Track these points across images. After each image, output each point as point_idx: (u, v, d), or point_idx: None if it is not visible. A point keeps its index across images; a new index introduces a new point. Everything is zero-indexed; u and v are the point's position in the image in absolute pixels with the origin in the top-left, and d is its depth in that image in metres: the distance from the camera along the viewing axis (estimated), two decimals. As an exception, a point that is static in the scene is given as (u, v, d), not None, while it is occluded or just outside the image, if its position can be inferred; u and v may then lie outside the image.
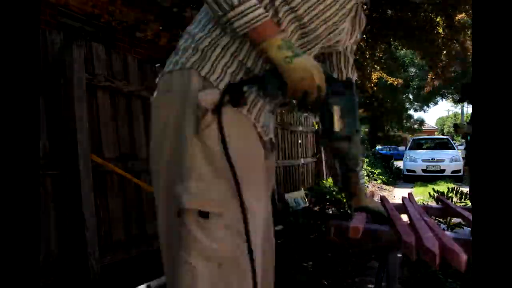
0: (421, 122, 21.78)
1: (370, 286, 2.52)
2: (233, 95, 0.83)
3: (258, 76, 0.86)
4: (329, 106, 0.90)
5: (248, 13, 0.80)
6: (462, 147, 15.73)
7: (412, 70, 16.45)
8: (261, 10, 0.81)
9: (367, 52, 5.46)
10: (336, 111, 0.90)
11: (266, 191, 0.95)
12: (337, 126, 0.90)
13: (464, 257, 0.79)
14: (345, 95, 0.91)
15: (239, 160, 0.81)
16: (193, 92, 0.83)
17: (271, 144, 1.00)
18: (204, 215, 0.80)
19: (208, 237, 0.79)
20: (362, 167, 1.14)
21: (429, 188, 4.78)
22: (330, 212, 5.20)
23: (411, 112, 20.54)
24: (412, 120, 20.69)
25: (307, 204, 5.38)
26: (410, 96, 19.02)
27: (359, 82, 6.13)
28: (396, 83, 6.58)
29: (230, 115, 0.82)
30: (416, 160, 11.30)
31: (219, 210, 0.81)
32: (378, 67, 6.10)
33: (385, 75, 6.51)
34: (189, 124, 0.82)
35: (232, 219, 0.81)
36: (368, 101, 14.16)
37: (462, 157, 11.28)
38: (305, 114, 1.18)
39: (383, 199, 1.46)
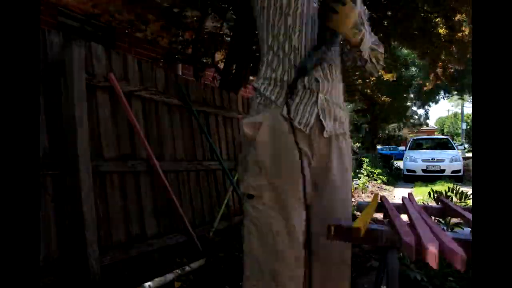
0: (425, 116, 21.68)
1: (370, 286, 2.52)
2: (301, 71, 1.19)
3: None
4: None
5: None
6: (462, 147, 15.76)
7: (413, 69, 16.43)
8: None
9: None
10: None
11: (299, 179, 1.21)
12: None
13: (464, 257, 0.79)
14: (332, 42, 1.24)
15: (271, 164, 1.19)
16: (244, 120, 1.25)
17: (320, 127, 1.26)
18: (250, 196, 1.21)
19: (252, 209, 1.21)
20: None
21: (429, 188, 4.79)
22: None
23: (414, 108, 20.48)
24: (416, 116, 20.62)
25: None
26: (411, 96, 19.00)
27: (357, 82, 6.13)
28: (391, 79, 6.58)
29: (264, 133, 1.20)
30: (416, 160, 11.29)
31: (259, 194, 1.20)
32: None
33: (383, 72, 6.52)
34: (244, 140, 1.24)
35: (267, 200, 1.20)
36: (365, 106, 14.13)
37: (462, 157, 11.29)
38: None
39: (383, 199, 1.46)
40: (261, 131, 1.20)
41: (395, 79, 6.76)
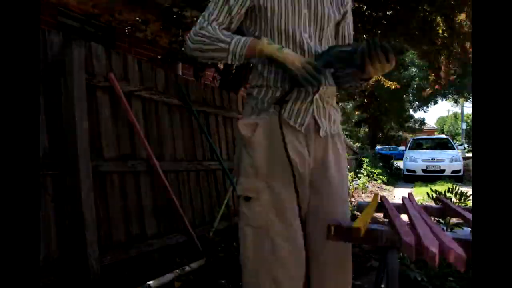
0: (422, 122, 21.91)
1: (370, 286, 2.52)
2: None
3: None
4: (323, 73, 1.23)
5: (240, 41, 1.17)
6: (462, 147, 15.76)
7: (413, 70, 16.43)
8: (243, 37, 1.18)
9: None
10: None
11: (293, 182, 1.20)
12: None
13: (464, 257, 0.79)
14: (331, 66, 1.24)
15: (268, 166, 1.19)
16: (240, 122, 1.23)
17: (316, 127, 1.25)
18: (247, 199, 1.19)
19: (250, 212, 1.18)
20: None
21: (429, 188, 4.79)
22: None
23: (411, 112, 20.63)
24: (412, 120, 20.76)
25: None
26: (410, 97, 19.03)
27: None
28: (393, 87, 6.56)
29: (259, 134, 1.19)
30: (416, 160, 11.30)
31: (256, 196, 1.18)
32: None
33: (383, 78, 6.51)
34: (241, 142, 1.22)
35: (265, 202, 1.18)
36: (366, 101, 14.12)
37: (462, 157, 11.29)
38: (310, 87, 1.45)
39: (383, 199, 1.46)
40: (257, 132, 1.19)
41: (397, 87, 6.72)
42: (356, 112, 16.76)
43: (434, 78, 6.04)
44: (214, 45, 1.18)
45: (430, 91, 7.66)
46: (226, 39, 1.17)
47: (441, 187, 6.23)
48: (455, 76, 8.01)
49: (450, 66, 5.62)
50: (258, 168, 1.18)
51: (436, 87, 6.27)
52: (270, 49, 1.15)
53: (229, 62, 1.20)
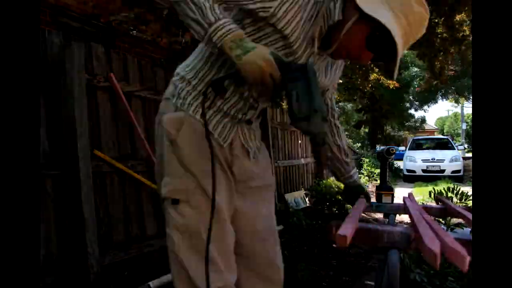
0: (422, 120, 21.87)
1: (370, 285, 2.52)
2: (215, 87, 1.05)
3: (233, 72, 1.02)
4: (288, 91, 0.98)
5: (223, 27, 0.96)
6: (462, 147, 15.74)
7: (414, 70, 16.43)
8: (232, 25, 0.97)
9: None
10: (293, 95, 0.97)
11: (227, 187, 1.15)
12: (295, 108, 0.97)
13: (467, 257, 0.79)
14: (300, 80, 0.97)
15: (193, 163, 1.09)
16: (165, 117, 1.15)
17: (247, 151, 1.21)
18: (175, 201, 1.10)
19: (179, 216, 1.09)
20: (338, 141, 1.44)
21: (429, 188, 4.78)
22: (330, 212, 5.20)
23: (411, 111, 20.55)
24: (413, 120, 20.71)
25: (307, 204, 5.38)
26: (411, 97, 19.02)
27: (358, 81, 6.12)
28: (392, 86, 6.53)
29: (185, 132, 1.10)
30: (416, 160, 11.29)
31: (186, 198, 1.09)
32: (376, 69, 6.09)
33: (382, 77, 6.48)
34: (166, 138, 1.12)
35: (196, 203, 1.09)
36: (368, 102, 14.12)
37: (462, 157, 11.29)
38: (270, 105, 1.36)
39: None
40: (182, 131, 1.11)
41: (397, 85, 6.68)
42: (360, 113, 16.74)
43: (430, 77, 6.06)
44: (195, 16, 0.97)
45: (425, 87, 7.68)
46: (210, 18, 0.96)
47: (441, 187, 6.23)
48: (452, 72, 8.02)
49: (448, 62, 5.62)
50: (189, 168, 1.09)
51: (431, 81, 6.27)
52: (230, 51, 0.96)
53: (204, 44, 1.03)
